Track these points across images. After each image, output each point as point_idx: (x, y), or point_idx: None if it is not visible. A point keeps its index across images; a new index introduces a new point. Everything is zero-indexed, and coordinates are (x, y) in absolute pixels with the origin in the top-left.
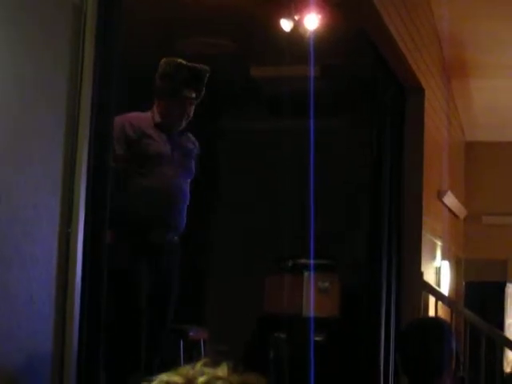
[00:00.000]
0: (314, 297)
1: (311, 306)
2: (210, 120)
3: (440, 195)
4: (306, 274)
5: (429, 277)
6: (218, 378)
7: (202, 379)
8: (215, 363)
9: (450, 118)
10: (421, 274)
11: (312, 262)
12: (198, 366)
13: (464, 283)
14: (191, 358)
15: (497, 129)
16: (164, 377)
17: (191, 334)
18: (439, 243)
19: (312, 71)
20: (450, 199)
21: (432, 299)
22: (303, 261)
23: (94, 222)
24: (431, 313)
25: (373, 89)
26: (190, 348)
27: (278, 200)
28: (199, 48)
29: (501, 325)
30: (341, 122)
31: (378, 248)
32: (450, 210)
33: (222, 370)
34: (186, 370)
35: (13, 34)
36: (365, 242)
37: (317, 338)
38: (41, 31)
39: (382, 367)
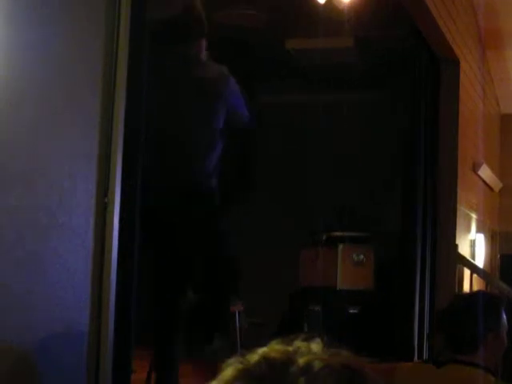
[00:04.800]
0: (348, 269)
1: (346, 279)
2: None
3: (475, 168)
4: (340, 246)
5: (464, 250)
6: (319, 359)
7: (303, 359)
8: (308, 339)
9: (485, 89)
10: (455, 247)
11: (346, 234)
12: (297, 342)
13: (499, 256)
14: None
15: None
16: (260, 352)
17: None
18: (474, 216)
19: (347, 43)
20: (484, 172)
21: (467, 272)
22: (337, 233)
23: (131, 191)
24: (466, 286)
25: (407, 60)
26: None
27: (312, 173)
28: (234, 20)
29: None
30: (375, 94)
31: (412, 220)
32: (484, 182)
33: (317, 346)
34: (282, 345)
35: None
36: (400, 215)
37: (351, 311)
38: None
39: (416, 340)
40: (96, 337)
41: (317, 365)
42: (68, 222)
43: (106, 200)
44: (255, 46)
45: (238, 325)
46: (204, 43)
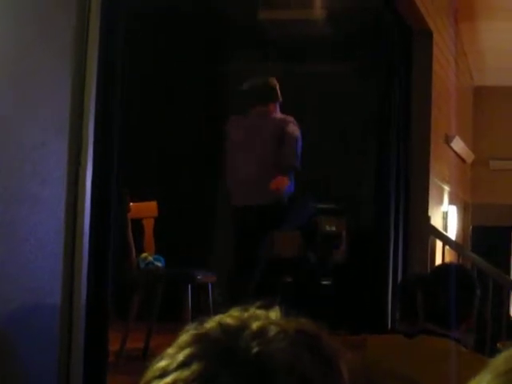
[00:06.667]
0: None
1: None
2: (214, 62)
3: (447, 140)
4: (313, 218)
5: (436, 221)
6: (273, 324)
7: (256, 324)
8: (266, 307)
9: (458, 62)
10: (428, 219)
11: (319, 206)
12: (252, 309)
13: (471, 228)
14: (198, 302)
15: (505, 73)
16: (216, 318)
17: (199, 277)
18: (446, 188)
19: (319, 15)
20: (457, 144)
21: (439, 243)
22: None
23: (104, 160)
24: (438, 258)
25: (381, 32)
26: (197, 292)
27: None
28: None
29: (507, 269)
30: (348, 66)
31: (385, 192)
32: (457, 154)
33: (275, 314)
34: (239, 312)
35: None
36: (372, 187)
37: (324, 282)
38: None
39: (389, 310)
40: (68, 306)
41: (271, 329)
42: (40, 192)
43: (79, 169)
44: (228, 15)
45: (210, 297)
46: (277, 105)
